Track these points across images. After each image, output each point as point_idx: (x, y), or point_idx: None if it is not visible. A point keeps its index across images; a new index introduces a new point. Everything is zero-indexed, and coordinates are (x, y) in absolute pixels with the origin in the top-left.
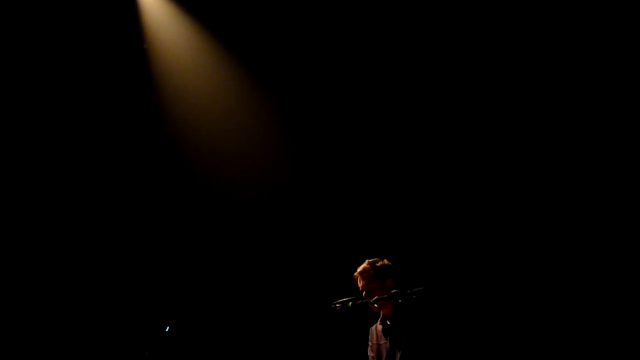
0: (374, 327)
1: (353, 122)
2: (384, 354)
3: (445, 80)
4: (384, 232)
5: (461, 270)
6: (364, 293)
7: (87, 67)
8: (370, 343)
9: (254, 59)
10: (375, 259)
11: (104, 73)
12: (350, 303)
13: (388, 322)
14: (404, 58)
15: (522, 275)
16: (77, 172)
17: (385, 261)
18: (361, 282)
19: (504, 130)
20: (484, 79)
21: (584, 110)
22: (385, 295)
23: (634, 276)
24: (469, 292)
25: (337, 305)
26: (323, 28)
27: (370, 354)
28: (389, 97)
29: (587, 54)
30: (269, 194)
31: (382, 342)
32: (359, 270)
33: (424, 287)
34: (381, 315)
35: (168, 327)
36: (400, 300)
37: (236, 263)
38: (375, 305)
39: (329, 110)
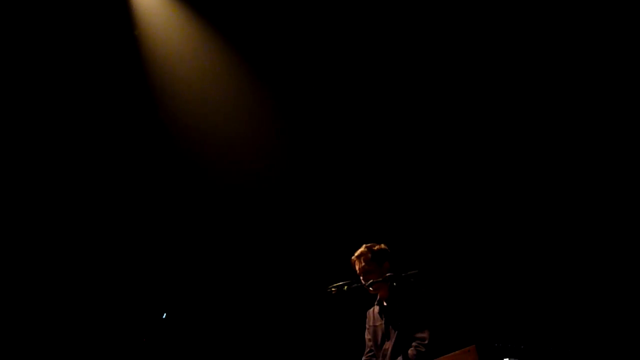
0: (371, 310)
1: (347, 107)
2: (380, 335)
3: (437, 61)
4: (381, 216)
5: (455, 254)
6: (361, 276)
7: (78, 54)
8: (367, 326)
9: (247, 45)
10: (372, 243)
11: (95, 61)
12: (346, 287)
13: (384, 304)
14: (395, 44)
15: (516, 257)
16: (69, 159)
17: (383, 245)
18: (359, 265)
19: (493, 117)
20: (472, 65)
21: (583, 109)
22: (381, 279)
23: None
24: (462, 275)
25: (333, 289)
26: (316, 13)
27: (367, 336)
28: (383, 81)
29: (587, 54)
30: (264, 177)
31: (378, 323)
32: (356, 254)
33: (419, 270)
34: (378, 297)
35: (165, 314)
36: (395, 283)
37: (232, 248)
38: (371, 288)
39: (323, 96)
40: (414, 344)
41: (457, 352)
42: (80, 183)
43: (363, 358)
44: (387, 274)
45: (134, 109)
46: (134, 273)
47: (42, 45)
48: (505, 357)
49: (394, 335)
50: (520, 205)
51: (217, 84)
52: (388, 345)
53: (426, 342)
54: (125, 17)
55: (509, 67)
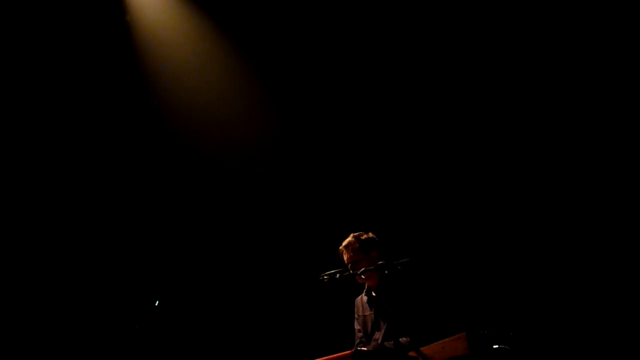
0: (359, 298)
1: (340, 95)
2: (369, 325)
3: (424, 47)
4: (369, 205)
5: (445, 242)
6: (349, 266)
7: (69, 42)
8: (356, 315)
9: (240, 31)
10: (360, 232)
11: (86, 48)
12: (338, 275)
13: (373, 294)
14: (386, 29)
15: (507, 246)
16: (62, 147)
17: (370, 234)
18: (347, 255)
19: (481, 107)
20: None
21: (583, 109)
22: (371, 267)
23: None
24: (453, 264)
25: (325, 277)
26: None
27: (356, 326)
28: (377, 68)
29: (587, 54)
30: (257, 165)
31: (368, 313)
32: (344, 243)
33: (409, 259)
34: (366, 287)
35: (157, 301)
36: (386, 272)
37: (223, 236)
38: (362, 276)
39: (317, 83)
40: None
41: (447, 339)
42: (70, 168)
43: (354, 348)
44: (379, 262)
45: (126, 95)
46: (125, 260)
47: (30, 30)
48: (495, 344)
49: (384, 326)
50: (511, 193)
51: (210, 69)
52: (378, 335)
53: (417, 334)
54: (117, 2)
55: (506, 65)
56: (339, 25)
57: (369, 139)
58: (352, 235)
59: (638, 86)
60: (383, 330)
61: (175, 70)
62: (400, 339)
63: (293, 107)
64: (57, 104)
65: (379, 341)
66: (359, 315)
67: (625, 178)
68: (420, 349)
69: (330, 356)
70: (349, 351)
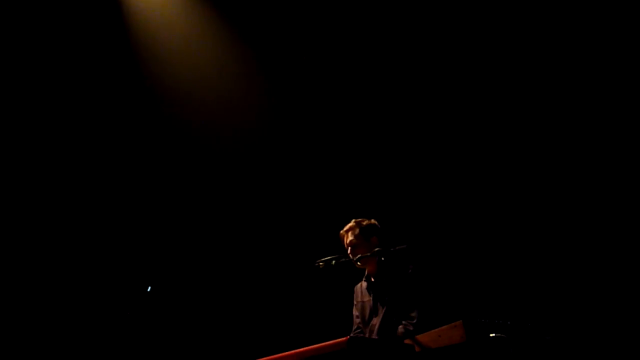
0: (358, 285)
1: (336, 72)
2: (367, 311)
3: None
4: (370, 190)
5: (444, 229)
6: (348, 250)
7: (61, 24)
8: (355, 302)
9: (233, 7)
10: (362, 218)
11: (79, 30)
12: (334, 261)
13: (372, 280)
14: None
15: (505, 234)
16: (54, 130)
17: (372, 220)
18: (347, 239)
19: (492, 93)
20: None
21: (582, 109)
22: (369, 253)
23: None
24: (451, 251)
25: (321, 263)
26: None
27: (355, 313)
28: (373, 44)
29: (587, 54)
30: (251, 144)
31: (366, 299)
32: (345, 228)
33: (407, 245)
34: (366, 273)
35: (150, 287)
36: (383, 258)
37: (218, 219)
38: (359, 262)
39: (311, 59)
40: (403, 322)
41: (444, 327)
42: (67, 149)
43: (351, 335)
44: (376, 249)
45: (116, 72)
46: (117, 246)
47: (26, 15)
48: (492, 333)
49: (381, 312)
50: (513, 181)
51: (204, 49)
52: (375, 321)
53: (415, 321)
54: None
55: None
56: (336, 5)
57: (371, 121)
58: (353, 220)
59: (638, 86)
60: (381, 316)
61: (168, 51)
62: (399, 329)
63: (290, 88)
64: (52, 86)
65: (376, 327)
66: (357, 302)
67: (623, 171)
68: (416, 336)
69: (325, 343)
70: (344, 338)
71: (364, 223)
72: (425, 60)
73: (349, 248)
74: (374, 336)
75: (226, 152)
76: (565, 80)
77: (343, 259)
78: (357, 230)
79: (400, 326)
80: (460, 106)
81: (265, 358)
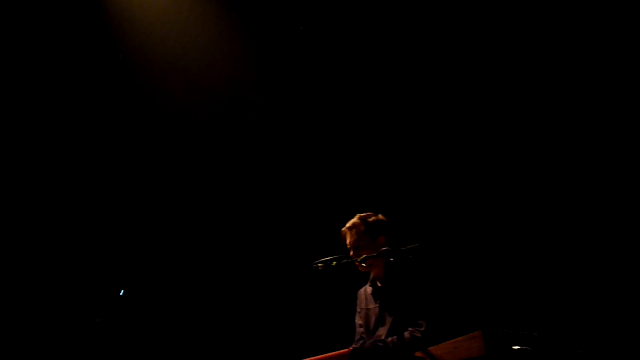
0: (362, 290)
1: (336, 53)
2: (373, 320)
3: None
4: (376, 183)
5: (462, 226)
6: (351, 251)
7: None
8: (358, 309)
9: None
10: (368, 213)
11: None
12: (334, 263)
13: (379, 284)
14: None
15: (530, 234)
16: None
17: (380, 216)
18: (349, 238)
19: (503, 87)
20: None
21: (582, 109)
22: (375, 254)
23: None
24: (469, 252)
25: (320, 265)
26: None
27: (357, 321)
28: (373, 25)
29: (587, 54)
30: (240, 124)
31: (372, 306)
32: (348, 225)
33: (420, 245)
34: (371, 277)
35: (123, 291)
36: (392, 259)
37: (205, 211)
38: (364, 265)
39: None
40: (410, 329)
41: (461, 338)
42: (45, 132)
43: (352, 346)
44: (383, 249)
45: (88, 49)
46: (86, 242)
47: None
48: (515, 345)
49: (389, 321)
50: (526, 180)
51: (184, 16)
52: (382, 332)
53: (423, 329)
54: None
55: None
56: None
57: (383, 108)
58: (358, 216)
59: (638, 86)
60: (388, 326)
61: (143, 19)
62: (405, 334)
63: (286, 62)
64: (27, 59)
65: (383, 338)
66: (361, 309)
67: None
68: (429, 349)
69: (325, 355)
70: (346, 349)
71: (371, 219)
72: (442, 54)
73: (353, 248)
74: None
75: (221, 146)
76: (573, 80)
77: (345, 260)
78: (363, 228)
79: (407, 332)
80: (480, 99)
81: None
